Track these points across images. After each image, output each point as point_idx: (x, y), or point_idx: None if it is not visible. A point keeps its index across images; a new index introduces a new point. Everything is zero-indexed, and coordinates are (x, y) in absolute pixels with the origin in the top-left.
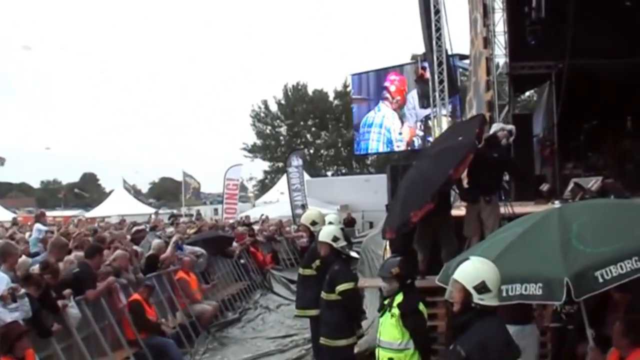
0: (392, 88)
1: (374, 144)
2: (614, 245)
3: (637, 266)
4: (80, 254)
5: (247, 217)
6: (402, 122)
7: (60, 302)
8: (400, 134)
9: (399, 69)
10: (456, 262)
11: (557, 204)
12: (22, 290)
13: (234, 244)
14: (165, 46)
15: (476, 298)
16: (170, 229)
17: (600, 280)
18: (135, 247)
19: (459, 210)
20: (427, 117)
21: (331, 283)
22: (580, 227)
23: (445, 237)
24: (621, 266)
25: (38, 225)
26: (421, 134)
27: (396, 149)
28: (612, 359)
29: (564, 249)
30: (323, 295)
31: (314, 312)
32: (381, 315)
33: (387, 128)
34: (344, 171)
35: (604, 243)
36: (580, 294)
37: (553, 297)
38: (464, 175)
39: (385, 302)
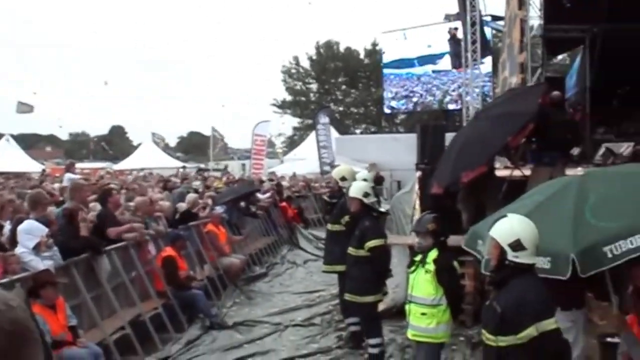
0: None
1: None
2: (627, 220)
3: None
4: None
5: (274, 172)
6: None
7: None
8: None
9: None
10: (493, 219)
11: (581, 170)
12: (51, 240)
13: (263, 196)
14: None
15: (511, 255)
16: (198, 183)
17: (609, 255)
18: (163, 202)
19: (502, 170)
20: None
21: (360, 239)
22: (597, 199)
23: (490, 198)
24: (631, 241)
25: (69, 175)
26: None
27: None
28: (630, 323)
29: (575, 222)
30: (351, 251)
31: (341, 268)
32: (412, 271)
33: (413, 90)
34: (373, 130)
35: (617, 217)
36: (586, 269)
37: (559, 272)
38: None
39: (417, 258)
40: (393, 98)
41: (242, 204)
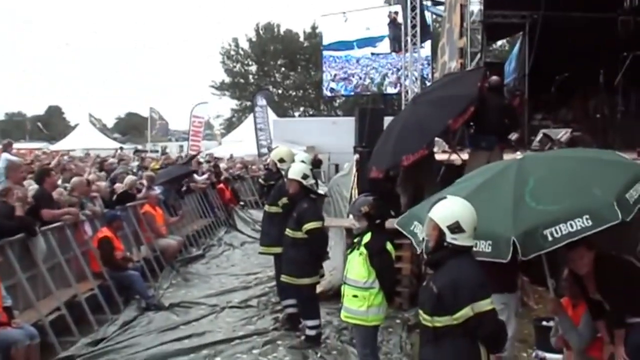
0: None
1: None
2: (567, 203)
3: (588, 225)
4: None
5: (211, 154)
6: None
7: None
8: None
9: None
10: (432, 202)
11: (519, 154)
12: None
13: (201, 177)
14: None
15: (449, 237)
16: (135, 163)
17: (550, 238)
18: (100, 183)
19: (440, 154)
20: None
21: (298, 221)
22: (537, 182)
23: (428, 181)
24: (571, 224)
25: (5, 155)
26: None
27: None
28: (565, 306)
29: (515, 205)
30: (289, 232)
31: (278, 250)
32: (349, 253)
33: (352, 73)
34: (311, 113)
35: (557, 200)
36: (527, 252)
37: (500, 255)
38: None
39: (356, 240)
40: (332, 80)
41: (184, 187)
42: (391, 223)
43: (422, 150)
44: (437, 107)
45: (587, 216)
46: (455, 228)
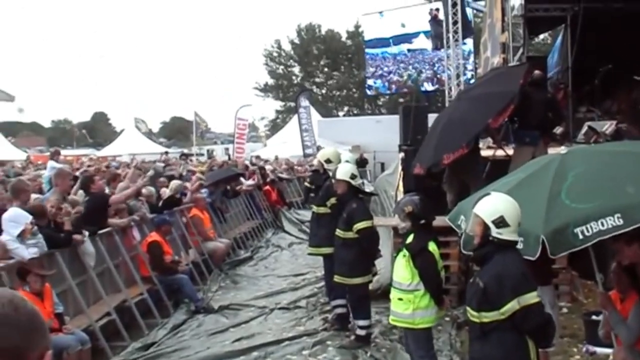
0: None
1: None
2: (600, 201)
3: (619, 223)
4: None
5: (258, 156)
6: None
7: (77, 237)
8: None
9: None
10: (477, 197)
11: (563, 149)
12: (36, 227)
13: (248, 181)
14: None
15: (494, 232)
16: (186, 166)
17: (581, 237)
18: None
19: (485, 150)
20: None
21: (348, 221)
22: (575, 178)
23: (474, 178)
24: (602, 223)
25: (52, 163)
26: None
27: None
28: (613, 300)
29: (550, 202)
30: (339, 233)
31: (327, 250)
32: (397, 255)
33: (389, 70)
34: (355, 112)
35: (590, 198)
36: (556, 250)
37: (528, 252)
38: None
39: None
40: (370, 77)
41: (228, 187)
42: (438, 221)
43: (462, 150)
44: (478, 105)
45: (619, 215)
46: (500, 222)
